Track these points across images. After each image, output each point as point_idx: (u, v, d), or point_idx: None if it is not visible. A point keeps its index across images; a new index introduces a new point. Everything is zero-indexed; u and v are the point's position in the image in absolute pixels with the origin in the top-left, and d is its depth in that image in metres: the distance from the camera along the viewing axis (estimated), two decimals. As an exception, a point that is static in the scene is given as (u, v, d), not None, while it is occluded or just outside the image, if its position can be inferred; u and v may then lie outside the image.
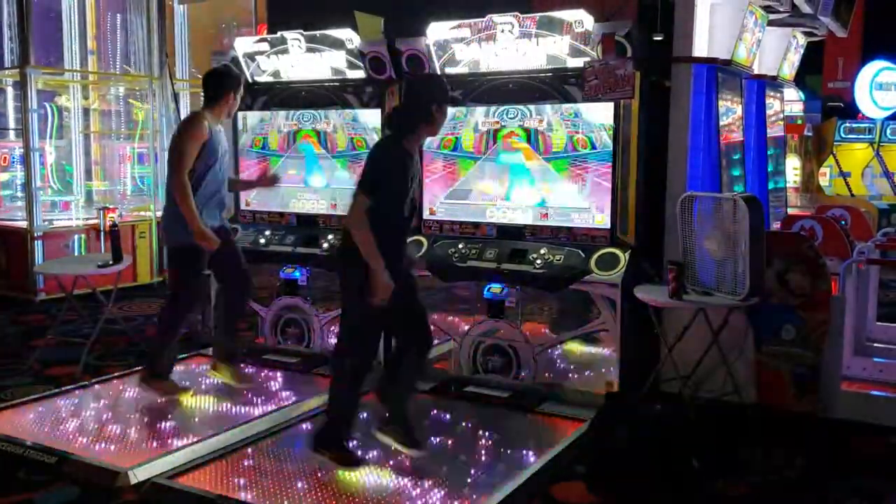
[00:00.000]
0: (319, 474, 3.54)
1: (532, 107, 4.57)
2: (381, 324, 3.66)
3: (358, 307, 3.50)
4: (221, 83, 4.44)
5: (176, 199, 4.25)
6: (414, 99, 3.63)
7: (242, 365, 4.94)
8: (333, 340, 5.34)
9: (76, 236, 7.53)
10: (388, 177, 3.44)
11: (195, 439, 3.90)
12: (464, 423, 4.16)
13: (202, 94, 4.51)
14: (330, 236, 5.16)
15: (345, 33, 5.04)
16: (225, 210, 4.68)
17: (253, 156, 5.59)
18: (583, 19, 4.29)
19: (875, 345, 5.11)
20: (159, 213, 7.89)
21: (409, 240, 4.28)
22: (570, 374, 4.85)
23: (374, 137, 5.06)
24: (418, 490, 3.39)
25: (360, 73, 5.09)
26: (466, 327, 4.79)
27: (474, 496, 3.35)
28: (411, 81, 4.40)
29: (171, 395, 4.50)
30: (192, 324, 5.39)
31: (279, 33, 5.27)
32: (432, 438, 3.92)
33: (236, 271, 4.57)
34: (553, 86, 4.49)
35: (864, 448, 4.05)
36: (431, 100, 3.53)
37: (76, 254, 7.43)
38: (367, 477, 3.53)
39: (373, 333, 3.69)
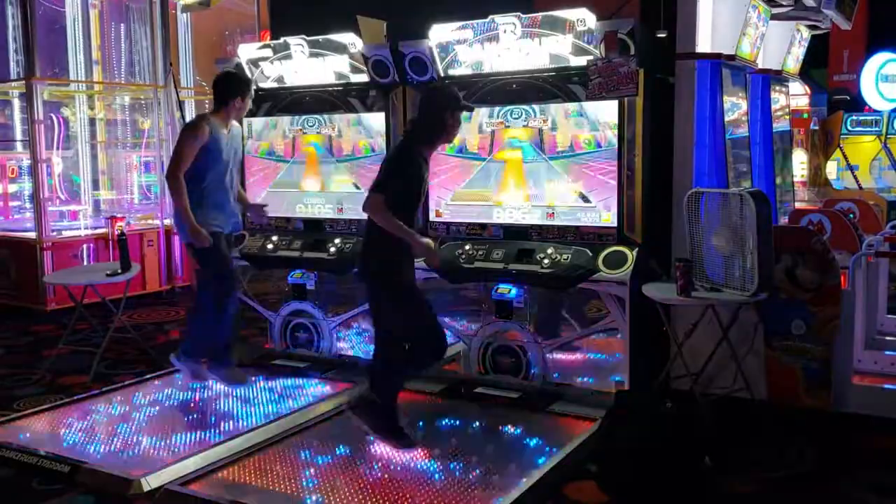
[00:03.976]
0: (330, 478, 3.55)
1: (536, 106, 4.56)
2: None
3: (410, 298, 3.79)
4: (228, 88, 4.56)
5: (172, 197, 4.45)
6: (428, 109, 3.84)
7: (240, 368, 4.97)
8: (342, 344, 5.38)
9: (85, 246, 7.56)
10: (402, 178, 3.70)
11: (207, 445, 3.91)
12: (475, 424, 4.17)
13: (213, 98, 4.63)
14: (337, 240, 5.16)
15: (347, 37, 5.04)
16: (233, 220, 4.69)
17: (258, 162, 5.60)
18: (585, 18, 4.28)
19: (886, 338, 5.08)
20: (167, 222, 7.98)
21: None
22: (580, 373, 4.84)
23: (380, 141, 5.06)
24: (430, 491, 3.39)
25: (363, 77, 5.09)
26: (475, 329, 4.79)
27: (486, 496, 3.34)
28: (425, 92, 4.52)
29: (238, 382, 4.76)
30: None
31: (282, 39, 5.29)
32: (444, 439, 3.93)
33: (217, 278, 4.70)
34: (556, 85, 4.49)
35: (876, 442, 4.03)
36: (445, 108, 3.76)
37: (85, 263, 7.45)
38: (378, 478, 3.53)
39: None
